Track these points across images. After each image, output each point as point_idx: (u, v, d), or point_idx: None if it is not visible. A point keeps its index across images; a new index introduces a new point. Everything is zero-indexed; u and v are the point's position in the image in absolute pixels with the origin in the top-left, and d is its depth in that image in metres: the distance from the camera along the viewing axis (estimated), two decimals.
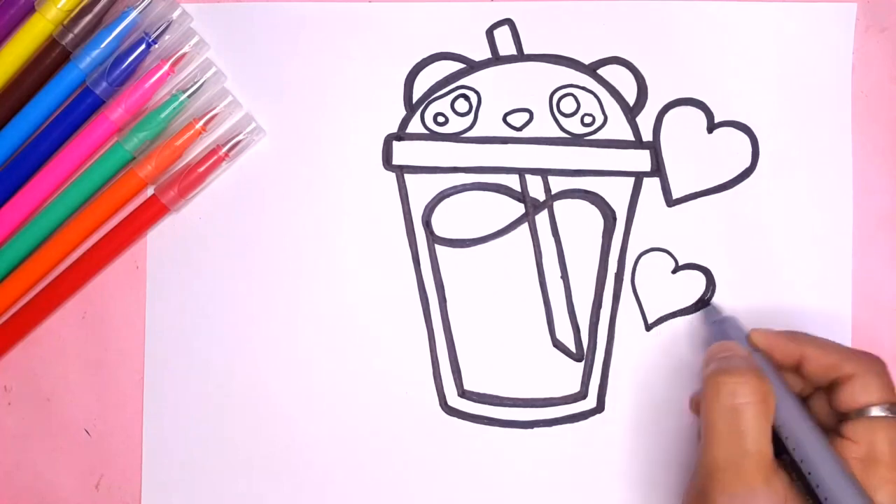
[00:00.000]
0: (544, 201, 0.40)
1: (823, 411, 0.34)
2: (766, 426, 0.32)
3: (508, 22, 0.40)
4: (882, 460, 0.31)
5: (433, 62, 0.41)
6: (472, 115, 0.40)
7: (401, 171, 0.41)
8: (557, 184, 0.40)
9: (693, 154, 0.40)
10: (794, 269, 0.40)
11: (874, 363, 0.33)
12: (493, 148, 0.40)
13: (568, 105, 0.40)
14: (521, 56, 0.41)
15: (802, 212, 0.40)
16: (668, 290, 0.40)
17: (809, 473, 0.31)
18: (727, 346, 0.35)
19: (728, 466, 0.31)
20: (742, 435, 0.31)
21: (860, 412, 0.32)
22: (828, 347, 0.34)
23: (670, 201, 0.40)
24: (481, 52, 0.41)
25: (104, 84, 0.39)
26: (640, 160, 0.40)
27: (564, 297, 0.40)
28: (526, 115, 0.40)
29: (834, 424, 0.33)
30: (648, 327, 0.40)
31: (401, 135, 0.41)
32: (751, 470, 0.31)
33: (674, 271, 0.40)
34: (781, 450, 0.32)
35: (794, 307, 0.40)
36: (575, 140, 0.40)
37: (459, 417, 0.40)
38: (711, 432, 0.32)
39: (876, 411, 0.32)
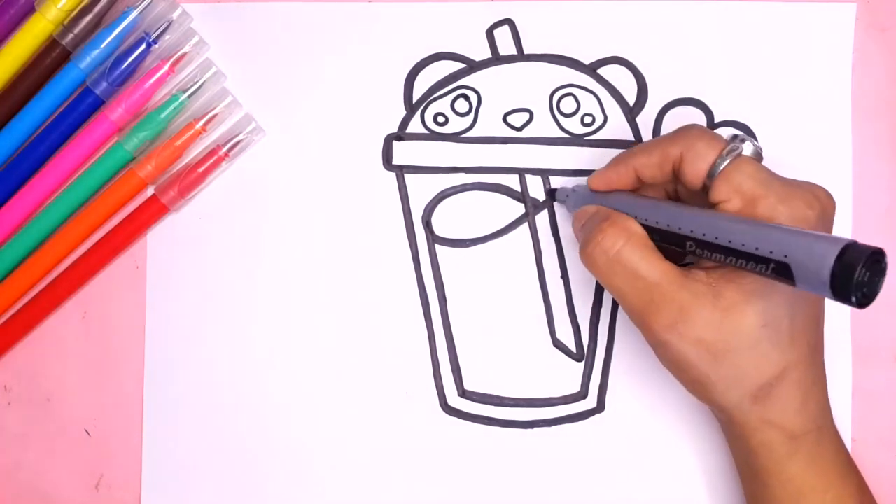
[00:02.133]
0: (544, 201, 0.40)
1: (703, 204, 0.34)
2: (647, 251, 0.32)
3: (508, 22, 0.40)
4: (755, 194, 0.31)
5: (433, 62, 0.41)
6: (472, 115, 0.40)
7: (401, 171, 0.41)
8: (558, 183, 0.40)
9: None
10: None
11: (691, 130, 0.33)
12: (493, 148, 0.40)
13: (568, 105, 0.40)
14: (521, 56, 0.41)
15: None
16: None
17: (717, 238, 0.30)
18: (579, 215, 0.35)
19: (646, 305, 0.32)
20: (638, 275, 0.32)
21: (711, 175, 0.32)
22: (649, 148, 0.34)
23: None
24: (481, 52, 0.41)
25: (104, 84, 0.39)
26: None
27: (564, 297, 0.40)
28: (526, 115, 0.40)
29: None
30: None
31: (401, 135, 0.41)
32: (666, 293, 0.31)
33: None
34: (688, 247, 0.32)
35: None
36: (575, 140, 0.40)
37: (459, 417, 0.40)
38: (616, 292, 0.33)
39: (720, 165, 0.31)
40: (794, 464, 0.32)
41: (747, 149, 0.32)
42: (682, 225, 0.31)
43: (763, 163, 0.32)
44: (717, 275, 0.31)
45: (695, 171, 0.32)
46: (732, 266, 0.30)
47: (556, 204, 0.40)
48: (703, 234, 0.30)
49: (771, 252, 0.28)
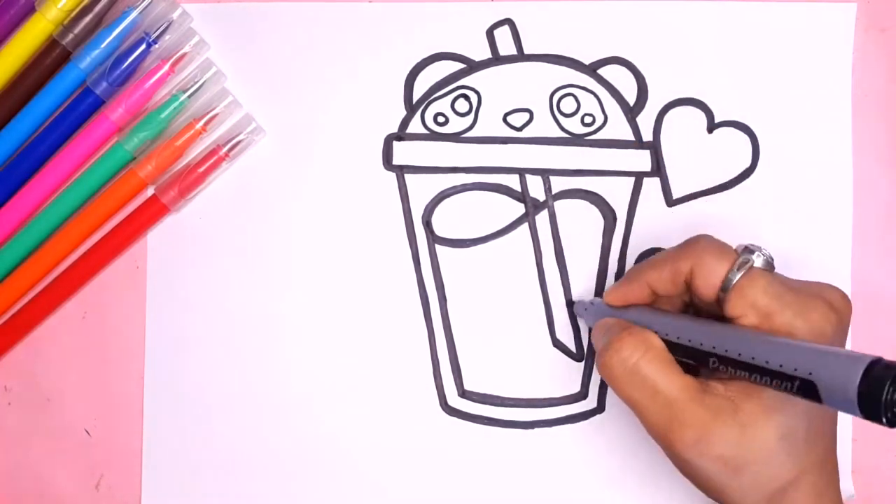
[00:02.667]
0: (544, 201, 0.40)
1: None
2: (666, 364, 0.32)
3: (508, 22, 0.40)
4: (770, 310, 0.31)
5: (433, 62, 0.41)
6: (472, 115, 0.40)
7: (401, 171, 0.41)
8: (558, 184, 0.40)
9: (693, 154, 0.40)
10: (793, 270, 0.40)
11: (700, 243, 0.33)
12: (493, 148, 0.40)
13: (568, 105, 0.40)
14: (521, 56, 0.41)
15: (802, 212, 0.40)
16: None
17: (740, 355, 0.30)
18: (599, 326, 0.35)
19: (667, 422, 0.31)
20: (657, 389, 0.31)
21: (724, 289, 0.31)
22: (660, 263, 0.34)
23: (670, 201, 0.40)
24: (481, 52, 0.41)
25: (104, 84, 0.39)
26: (641, 160, 0.40)
27: (564, 297, 0.40)
28: (526, 115, 0.40)
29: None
30: None
31: (401, 135, 0.41)
32: (687, 411, 0.31)
33: None
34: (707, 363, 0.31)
35: None
36: (575, 140, 0.40)
37: (460, 417, 0.40)
38: (634, 404, 0.32)
39: (732, 279, 0.31)
40: None
41: (758, 260, 0.32)
42: (703, 341, 0.31)
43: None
44: (736, 388, 0.31)
45: (707, 286, 0.32)
46: (756, 382, 0.29)
47: (577, 314, 0.40)
48: (726, 351, 0.30)
49: (795, 370, 0.27)
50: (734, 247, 0.33)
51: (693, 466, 0.31)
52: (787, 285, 0.31)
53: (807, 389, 0.27)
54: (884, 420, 0.25)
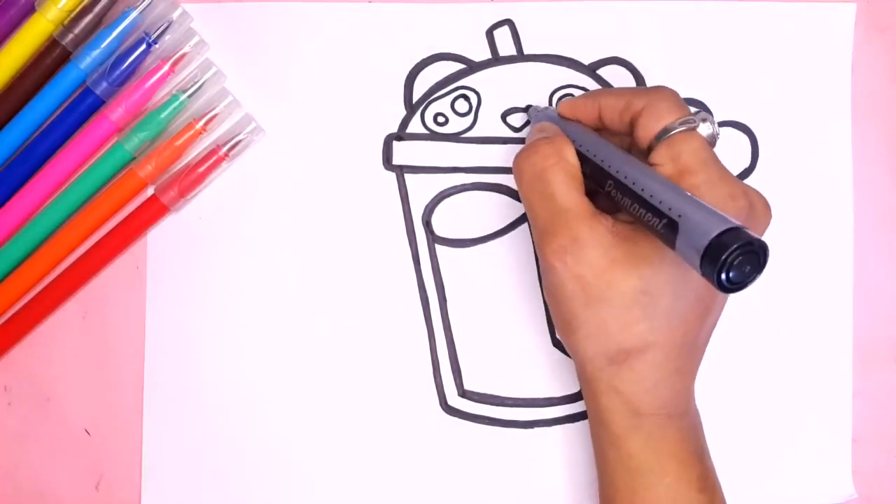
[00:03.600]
0: None
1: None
2: (570, 178, 0.33)
3: (508, 22, 0.41)
4: (688, 168, 0.31)
5: (433, 62, 0.41)
6: (472, 116, 0.40)
7: (401, 171, 0.41)
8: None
9: None
10: (794, 269, 0.40)
11: (662, 91, 0.33)
12: (493, 148, 0.40)
13: None
14: (521, 56, 0.41)
15: (802, 212, 0.40)
16: None
17: (634, 183, 0.31)
18: (537, 128, 0.36)
19: (548, 226, 0.32)
20: (553, 197, 0.33)
21: (659, 138, 0.32)
22: (619, 92, 0.35)
23: None
24: (481, 53, 0.41)
25: (104, 84, 0.39)
26: None
27: None
28: (526, 116, 0.40)
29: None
30: None
31: (401, 135, 0.41)
32: (570, 221, 0.32)
33: None
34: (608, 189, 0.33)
35: (794, 307, 0.40)
36: None
37: (459, 417, 0.40)
38: (529, 206, 0.34)
39: (670, 131, 0.32)
40: (635, 440, 0.32)
41: (704, 128, 0.32)
42: (611, 163, 0.32)
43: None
44: (622, 228, 0.32)
45: (647, 129, 0.33)
46: (634, 215, 0.30)
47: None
48: (625, 178, 0.31)
49: (669, 209, 0.29)
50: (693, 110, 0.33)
51: (556, 277, 0.32)
52: (716, 161, 0.32)
53: (669, 230, 0.28)
54: (714, 277, 0.26)
